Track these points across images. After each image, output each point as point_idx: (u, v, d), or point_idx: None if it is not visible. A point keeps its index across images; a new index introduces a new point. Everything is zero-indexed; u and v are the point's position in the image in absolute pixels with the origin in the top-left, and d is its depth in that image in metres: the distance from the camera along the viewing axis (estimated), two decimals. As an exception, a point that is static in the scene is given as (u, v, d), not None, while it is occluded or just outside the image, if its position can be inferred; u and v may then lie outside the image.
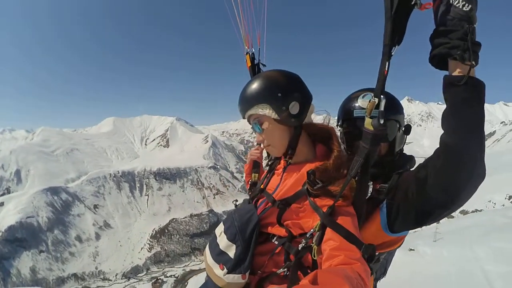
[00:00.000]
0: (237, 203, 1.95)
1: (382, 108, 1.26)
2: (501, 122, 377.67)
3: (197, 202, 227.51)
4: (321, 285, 0.99)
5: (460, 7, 1.10)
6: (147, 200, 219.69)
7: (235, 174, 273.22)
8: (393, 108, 2.07)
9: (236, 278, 1.54)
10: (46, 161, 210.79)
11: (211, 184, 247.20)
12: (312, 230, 1.39)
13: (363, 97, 2.04)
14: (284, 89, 1.58)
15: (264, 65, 2.48)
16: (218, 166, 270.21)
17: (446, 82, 1.18)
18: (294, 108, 1.59)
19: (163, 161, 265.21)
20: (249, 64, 2.49)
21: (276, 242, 1.61)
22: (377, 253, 1.78)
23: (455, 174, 1.23)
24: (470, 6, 1.10)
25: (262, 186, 1.87)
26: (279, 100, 1.57)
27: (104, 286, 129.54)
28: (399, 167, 1.78)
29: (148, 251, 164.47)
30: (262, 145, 1.77)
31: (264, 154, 2.39)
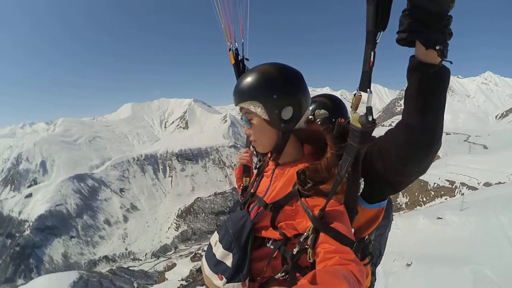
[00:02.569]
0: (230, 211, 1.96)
1: (370, 103, 1.17)
2: None
3: (220, 181, 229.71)
4: (320, 284, 0.99)
5: None
6: (171, 181, 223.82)
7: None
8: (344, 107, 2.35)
9: (236, 286, 1.51)
10: (70, 150, 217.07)
11: (232, 162, 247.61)
12: (305, 233, 1.37)
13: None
14: (281, 91, 1.52)
15: (247, 60, 2.37)
16: (238, 145, 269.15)
17: (415, 67, 1.15)
18: (287, 113, 1.54)
19: (184, 143, 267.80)
20: (233, 62, 2.37)
21: (272, 247, 1.57)
22: (366, 237, 1.81)
23: (416, 150, 1.27)
24: None
25: (252, 190, 1.83)
26: (273, 102, 1.52)
27: (135, 266, 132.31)
28: None
29: (175, 230, 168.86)
30: (250, 139, 1.71)
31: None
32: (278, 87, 1.52)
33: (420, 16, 1.04)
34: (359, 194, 1.53)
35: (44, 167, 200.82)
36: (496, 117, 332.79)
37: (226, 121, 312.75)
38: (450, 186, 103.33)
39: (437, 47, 1.06)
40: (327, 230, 1.28)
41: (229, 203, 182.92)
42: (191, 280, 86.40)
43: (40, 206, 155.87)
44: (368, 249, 1.52)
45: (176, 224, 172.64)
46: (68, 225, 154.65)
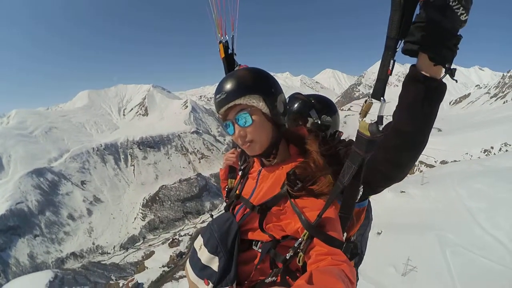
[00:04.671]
0: (213, 215, 1.80)
1: (382, 112, 1.17)
2: (476, 86, 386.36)
3: (183, 167, 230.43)
4: (317, 284, 1.00)
5: (458, 14, 1.04)
6: (134, 170, 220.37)
7: (217, 138, 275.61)
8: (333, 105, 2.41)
9: None
10: (26, 143, 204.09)
11: (195, 148, 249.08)
12: (300, 239, 1.36)
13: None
14: (275, 86, 1.58)
15: (235, 54, 2.30)
16: (201, 131, 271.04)
17: (417, 78, 1.17)
18: (281, 107, 1.59)
19: (145, 130, 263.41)
20: (223, 55, 2.28)
21: (260, 250, 1.57)
22: (352, 238, 1.86)
23: (405, 154, 1.33)
24: (466, 17, 1.06)
25: (237, 192, 1.82)
26: (273, 95, 1.55)
27: (104, 260, 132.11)
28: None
29: (141, 220, 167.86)
30: (241, 142, 1.60)
31: None
32: (272, 82, 1.58)
33: (433, 30, 1.06)
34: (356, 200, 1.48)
35: (0, 163, 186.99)
36: (450, 103, 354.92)
37: (186, 106, 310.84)
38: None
39: (446, 65, 1.10)
40: (320, 235, 1.30)
41: (194, 189, 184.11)
42: (173, 265, 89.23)
43: (0, 205, 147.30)
44: (357, 249, 1.59)
45: (142, 214, 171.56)
46: (31, 223, 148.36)
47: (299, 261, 1.34)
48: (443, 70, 1.13)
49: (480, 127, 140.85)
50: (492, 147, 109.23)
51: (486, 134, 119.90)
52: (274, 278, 1.46)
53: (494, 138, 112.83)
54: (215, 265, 1.53)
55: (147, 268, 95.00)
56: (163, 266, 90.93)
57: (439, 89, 1.17)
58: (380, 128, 1.18)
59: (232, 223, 1.63)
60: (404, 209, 35.29)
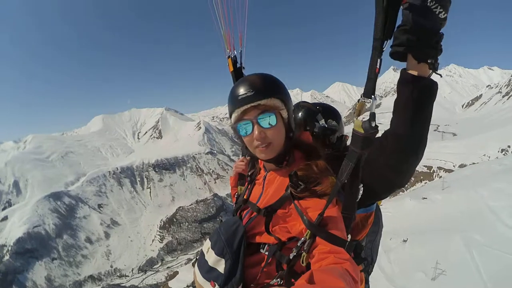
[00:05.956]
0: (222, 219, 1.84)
1: (374, 109, 1.22)
2: (487, 86, 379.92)
3: (199, 188, 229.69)
4: (318, 283, 1.00)
5: (437, 13, 1.13)
6: (150, 192, 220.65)
7: (232, 157, 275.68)
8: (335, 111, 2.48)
9: None
10: (43, 168, 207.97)
11: (210, 169, 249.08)
12: (303, 238, 1.38)
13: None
14: (289, 95, 1.61)
15: (243, 68, 2.35)
16: (215, 151, 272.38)
17: (406, 80, 1.26)
18: (292, 113, 1.62)
19: (159, 152, 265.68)
20: (232, 69, 2.34)
21: (266, 253, 1.58)
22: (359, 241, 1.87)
23: (404, 157, 1.35)
24: (446, 14, 1.14)
25: (245, 197, 1.84)
26: (290, 101, 1.58)
27: (123, 283, 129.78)
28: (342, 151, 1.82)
29: (159, 242, 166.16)
30: (258, 144, 1.56)
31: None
32: (287, 90, 1.61)
33: (415, 31, 1.16)
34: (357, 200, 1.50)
35: (18, 188, 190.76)
36: (462, 106, 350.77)
37: (200, 128, 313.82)
38: (428, 171, 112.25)
39: (428, 61, 1.18)
40: (322, 234, 1.30)
41: (211, 210, 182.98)
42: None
43: (18, 228, 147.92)
44: (361, 249, 1.57)
45: (160, 236, 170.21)
46: (49, 246, 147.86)
47: (302, 261, 1.35)
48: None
49: (495, 127, 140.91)
50: (509, 146, 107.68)
51: (501, 133, 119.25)
52: (279, 280, 1.48)
53: (510, 136, 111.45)
54: (221, 267, 1.54)
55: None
56: (188, 286, 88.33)
57: (429, 87, 1.24)
58: (373, 125, 1.22)
59: (239, 226, 1.65)
60: (428, 215, 35.43)
